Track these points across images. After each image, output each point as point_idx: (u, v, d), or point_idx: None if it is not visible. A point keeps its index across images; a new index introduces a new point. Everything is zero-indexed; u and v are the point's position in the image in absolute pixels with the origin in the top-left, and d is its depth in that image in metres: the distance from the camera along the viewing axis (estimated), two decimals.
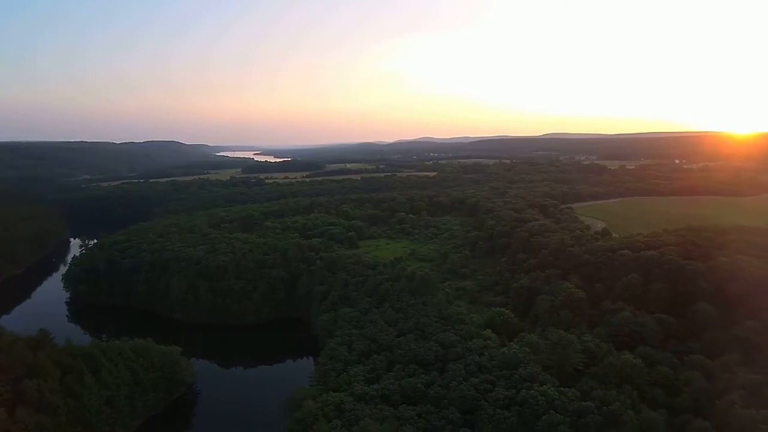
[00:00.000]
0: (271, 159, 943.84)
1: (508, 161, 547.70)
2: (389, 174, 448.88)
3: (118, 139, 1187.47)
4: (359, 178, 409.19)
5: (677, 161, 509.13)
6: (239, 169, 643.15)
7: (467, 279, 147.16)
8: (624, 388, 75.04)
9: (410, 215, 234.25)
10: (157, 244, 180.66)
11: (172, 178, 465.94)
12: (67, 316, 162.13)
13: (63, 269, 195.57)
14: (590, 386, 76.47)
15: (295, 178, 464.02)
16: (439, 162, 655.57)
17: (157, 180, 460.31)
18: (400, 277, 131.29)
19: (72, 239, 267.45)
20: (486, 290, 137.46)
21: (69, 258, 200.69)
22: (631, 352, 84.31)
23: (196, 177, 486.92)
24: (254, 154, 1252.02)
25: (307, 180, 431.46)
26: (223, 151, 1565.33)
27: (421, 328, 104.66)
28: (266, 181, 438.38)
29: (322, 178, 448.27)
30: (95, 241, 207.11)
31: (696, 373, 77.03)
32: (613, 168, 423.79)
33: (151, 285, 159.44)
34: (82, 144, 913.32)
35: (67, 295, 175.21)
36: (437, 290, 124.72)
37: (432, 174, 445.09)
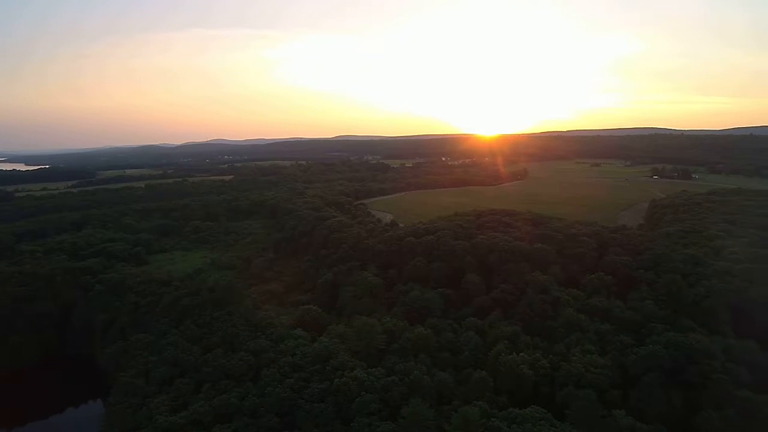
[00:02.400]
0: (21, 167, 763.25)
1: (304, 162, 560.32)
2: (179, 179, 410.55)
3: None
4: (143, 186, 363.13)
5: (444, 159, 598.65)
6: None
7: (273, 281, 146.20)
8: (420, 357, 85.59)
9: (207, 222, 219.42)
10: None
11: None
12: None
13: None
14: (393, 362, 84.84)
15: (58, 189, 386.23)
16: (235, 165, 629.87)
17: None
18: (201, 289, 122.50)
19: None
20: (293, 290, 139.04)
21: None
22: (422, 324, 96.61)
23: None
24: None
25: (75, 191, 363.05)
26: None
27: (229, 340, 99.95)
28: (16, 194, 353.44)
29: (93, 187, 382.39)
30: None
31: (471, 333, 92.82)
32: (395, 166, 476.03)
33: None
34: None
35: None
36: (243, 298, 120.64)
37: (228, 177, 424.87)
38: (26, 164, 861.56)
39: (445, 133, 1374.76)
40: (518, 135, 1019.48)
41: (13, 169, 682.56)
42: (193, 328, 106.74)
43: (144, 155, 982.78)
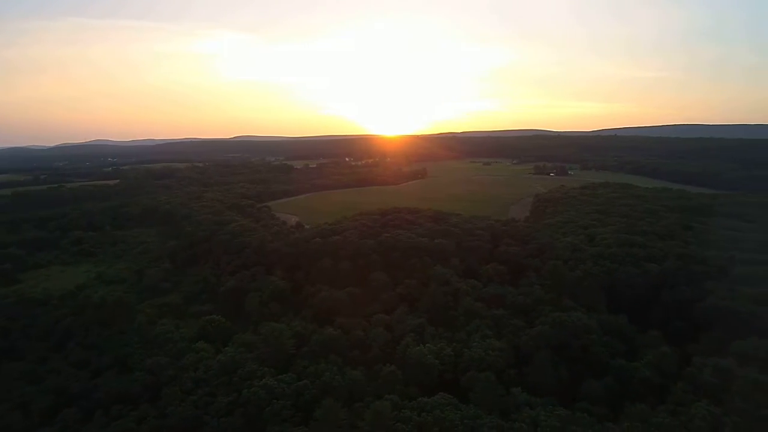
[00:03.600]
0: None
1: (201, 164, 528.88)
2: (54, 185, 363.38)
3: None
4: (9, 194, 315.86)
5: (347, 159, 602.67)
6: None
7: (171, 293, 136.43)
8: (330, 358, 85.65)
9: (90, 233, 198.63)
10: None
11: None
12: None
13: None
14: (304, 365, 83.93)
15: None
16: (121, 168, 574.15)
17: None
18: (86, 307, 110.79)
19: None
20: (193, 301, 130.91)
21: None
22: (332, 325, 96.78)
23: None
24: None
25: None
26: None
27: (122, 360, 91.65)
28: None
29: None
30: None
31: (380, 330, 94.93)
32: (299, 167, 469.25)
33: None
34: None
35: None
36: (136, 313, 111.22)
37: (113, 182, 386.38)
38: None
39: (348, 133, 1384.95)
40: (416, 135, 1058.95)
41: None
42: (79, 350, 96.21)
43: (7, 159, 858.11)
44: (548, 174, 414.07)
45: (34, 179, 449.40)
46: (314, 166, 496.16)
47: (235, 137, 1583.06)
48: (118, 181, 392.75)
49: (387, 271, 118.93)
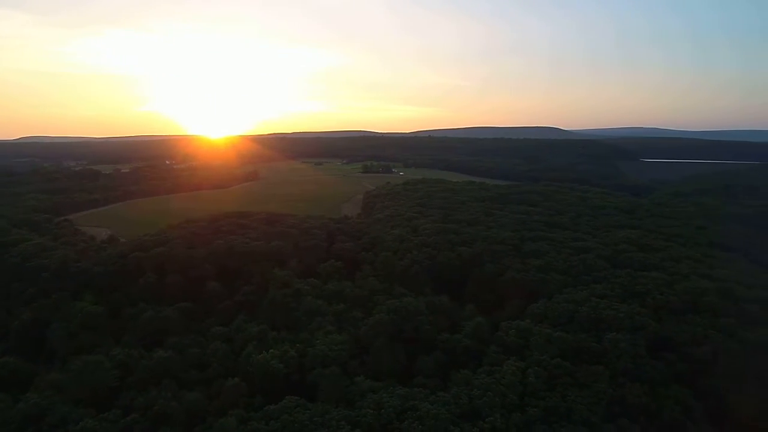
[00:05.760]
0: None
1: None
2: None
3: None
4: None
5: (168, 162, 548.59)
6: None
7: None
8: (163, 383, 77.98)
9: None
10: None
11: None
12: None
13: None
14: (131, 397, 74.81)
15: None
16: None
17: None
18: None
19: None
20: None
21: None
22: (162, 347, 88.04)
23: None
24: None
25: None
26: None
27: None
28: None
29: None
30: None
31: (218, 343, 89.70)
32: (108, 173, 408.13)
33: None
34: None
35: None
36: None
37: None
38: None
39: (168, 133, 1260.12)
40: (244, 136, 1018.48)
41: None
42: None
43: None
44: (375, 172, 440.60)
45: None
46: (127, 170, 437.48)
47: (21, 138, 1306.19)
48: None
49: (222, 281, 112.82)
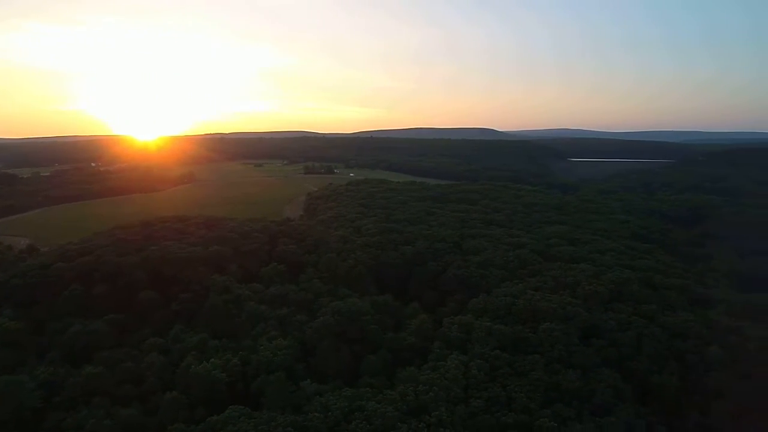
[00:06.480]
0: None
1: None
2: None
3: None
4: None
5: (94, 164, 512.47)
6: None
7: None
8: (94, 401, 73.24)
9: None
10: None
11: None
12: None
13: None
14: (58, 419, 69.70)
15: None
16: None
17: None
18: None
19: None
20: None
21: None
22: (91, 363, 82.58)
23: None
24: None
25: None
26: None
27: None
28: None
29: None
30: None
31: (154, 355, 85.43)
32: (26, 176, 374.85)
33: None
34: None
35: None
36: None
37: None
38: None
39: (95, 134, 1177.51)
40: (179, 137, 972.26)
41: None
42: None
43: None
44: (318, 173, 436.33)
45: None
46: (48, 174, 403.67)
47: None
48: None
49: (157, 289, 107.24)
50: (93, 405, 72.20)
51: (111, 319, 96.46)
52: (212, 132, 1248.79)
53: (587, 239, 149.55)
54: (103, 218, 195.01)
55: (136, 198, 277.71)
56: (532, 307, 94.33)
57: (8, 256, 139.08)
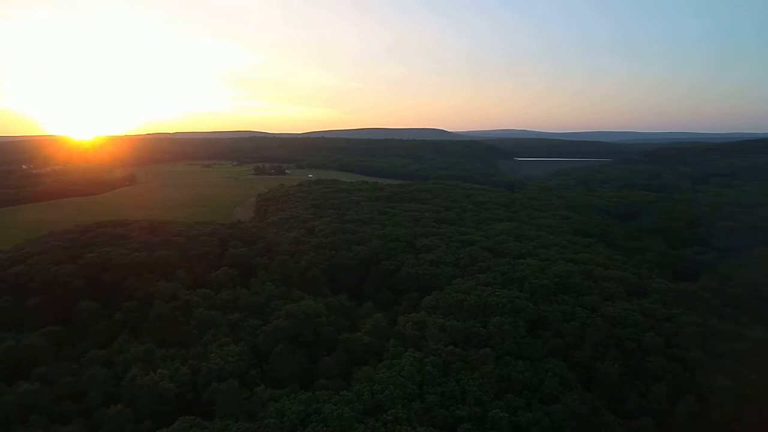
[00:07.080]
0: None
1: None
2: None
3: None
4: None
5: (25, 167, 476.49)
6: None
7: None
8: (31, 420, 68.47)
9: None
10: None
11: None
12: None
13: None
14: None
15: None
16: None
17: None
18: None
19: None
20: None
21: None
22: (27, 380, 77.12)
23: None
24: None
25: None
26: None
27: None
28: None
29: None
30: None
31: (96, 368, 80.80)
32: None
33: None
34: None
35: None
36: None
37: None
38: None
39: (24, 134, 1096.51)
40: (120, 137, 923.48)
41: None
42: None
43: None
44: (268, 174, 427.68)
45: None
46: None
47: None
48: None
49: (98, 298, 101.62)
50: (30, 424, 67.60)
51: (48, 332, 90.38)
52: (156, 132, 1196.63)
53: (533, 235, 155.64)
54: (36, 224, 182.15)
55: (73, 202, 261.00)
56: (483, 303, 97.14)
57: None
